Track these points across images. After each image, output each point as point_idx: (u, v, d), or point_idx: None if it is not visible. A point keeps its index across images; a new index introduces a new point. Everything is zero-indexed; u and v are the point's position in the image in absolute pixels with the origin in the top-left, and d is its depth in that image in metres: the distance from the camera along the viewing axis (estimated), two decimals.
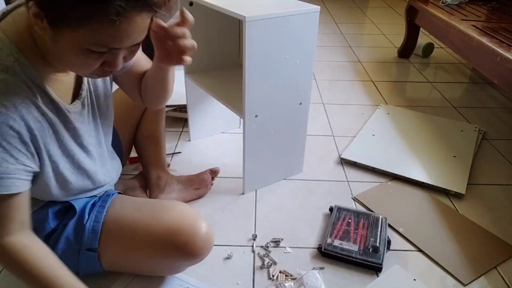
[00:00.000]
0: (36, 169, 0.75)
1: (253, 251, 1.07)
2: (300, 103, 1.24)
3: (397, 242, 1.12)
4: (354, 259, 1.03)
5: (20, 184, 0.72)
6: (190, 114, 1.51)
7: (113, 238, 0.89)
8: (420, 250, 1.09)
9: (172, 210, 0.89)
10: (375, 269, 1.02)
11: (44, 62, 0.72)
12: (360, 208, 1.23)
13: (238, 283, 0.99)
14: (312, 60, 1.19)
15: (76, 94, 0.82)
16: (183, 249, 0.84)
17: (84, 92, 0.83)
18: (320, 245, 1.08)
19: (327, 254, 1.06)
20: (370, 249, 1.05)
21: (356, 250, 1.05)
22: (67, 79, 0.79)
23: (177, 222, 0.86)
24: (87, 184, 0.89)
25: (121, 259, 0.91)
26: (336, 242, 1.07)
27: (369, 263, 1.02)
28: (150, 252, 0.87)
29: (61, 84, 0.78)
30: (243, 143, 1.19)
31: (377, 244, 1.06)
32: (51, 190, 0.82)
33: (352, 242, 1.08)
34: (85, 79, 0.83)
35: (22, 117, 0.69)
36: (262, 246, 1.09)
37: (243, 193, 1.27)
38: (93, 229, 0.88)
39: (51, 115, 0.75)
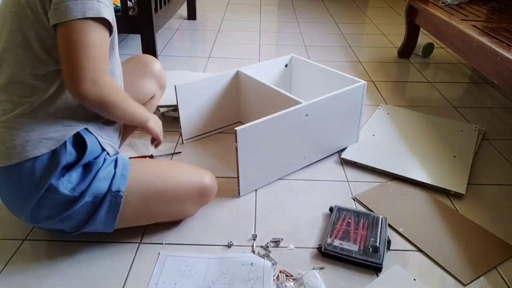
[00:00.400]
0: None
1: (253, 251, 1.07)
2: (307, 115, 1.28)
3: (397, 242, 1.12)
4: (354, 259, 1.03)
5: (112, 19, 0.89)
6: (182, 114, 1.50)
7: (140, 184, 1.00)
8: (420, 250, 1.09)
9: (186, 166, 1.13)
10: (375, 269, 1.02)
11: None
12: (360, 208, 1.23)
13: None
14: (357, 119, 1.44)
15: None
16: (204, 190, 1.09)
17: None
18: (320, 245, 1.08)
19: (327, 254, 1.06)
20: (370, 249, 1.05)
21: (356, 250, 1.05)
22: None
23: (196, 172, 1.10)
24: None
25: (146, 205, 1.02)
26: (336, 242, 1.07)
27: (369, 263, 1.02)
28: (179, 195, 1.06)
29: None
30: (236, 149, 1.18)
31: (377, 244, 1.06)
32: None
33: (352, 242, 1.08)
34: None
35: None
36: (262, 246, 1.09)
37: (238, 195, 1.27)
38: (122, 175, 0.97)
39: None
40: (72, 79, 0.83)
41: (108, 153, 0.99)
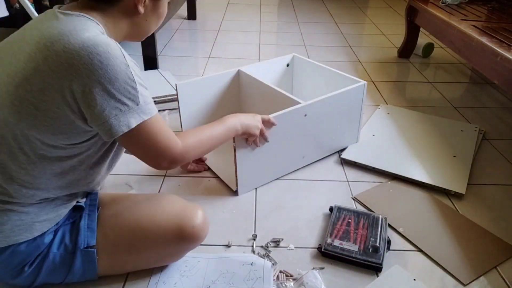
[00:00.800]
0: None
1: (253, 251, 1.07)
2: (306, 115, 1.28)
3: (397, 242, 1.12)
4: (354, 259, 1.03)
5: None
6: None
7: (113, 231, 0.90)
8: (420, 250, 1.09)
9: (170, 201, 0.98)
10: (375, 269, 1.02)
11: None
12: (360, 208, 1.23)
13: None
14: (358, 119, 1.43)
15: None
16: (186, 233, 0.92)
17: None
18: (320, 245, 1.08)
19: (327, 254, 1.06)
20: (370, 249, 1.05)
21: (356, 250, 1.05)
22: None
23: (179, 210, 0.94)
24: (97, 180, 0.95)
25: (122, 254, 0.92)
26: (336, 242, 1.07)
27: (369, 263, 1.02)
28: (155, 240, 0.91)
29: None
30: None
31: (377, 244, 1.06)
32: (100, 167, 0.91)
33: (352, 242, 1.08)
34: None
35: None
36: (262, 246, 1.09)
37: (237, 195, 1.27)
38: (88, 227, 0.89)
39: None
40: (157, 165, 0.89)
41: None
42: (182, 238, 0.92)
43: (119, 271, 0.97)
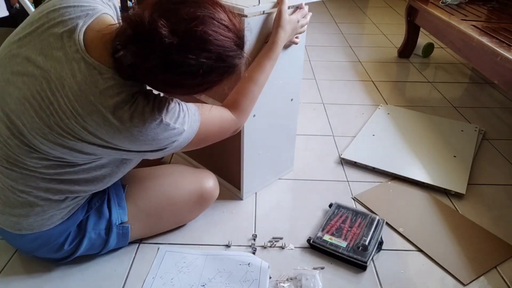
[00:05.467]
0: None
1: (253, 252, 1.07)
2: (292, 99, 1.24)
3: (397, 242, 1.12)
4: (339, 255, 1.04)
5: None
6: None
7: (143, 203, 1.01)
8: (420, 250, 1.09)
9: (185, 169, 1.12)
10: (360, 267, 1.03)
11: None
12: (360, 208, 1.23)
13: None
14: (301, 57, 1.20)
15: None
16: (206, 193, 1.08)
17: None
18: (310, 237, 1.09)
19: (315, 247, 1.07)
20: (360, 248, 1.05)
21: (344, 246, 1.06)
22: None
23: (196, 175, 1.10)
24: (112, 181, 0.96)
25: (153, 220, 1.04)
26: (326, 237, 1.08)
27: (354, 260, 1.02)
28: (181, 203, 1.06)
29: None
30: (241, 144, 1.17)
31: (367, 243, 1.06)
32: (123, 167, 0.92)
33: (343, 239, 1.08)
34: None
35: None
36: (262, 246, 1.09)
37: (241, 199, 1.26)
38: (119, 205, 0.98)
39: None
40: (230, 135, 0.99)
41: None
42: (202, 198, 1.08)
43: (149, 234, 1.09)
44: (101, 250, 1.00)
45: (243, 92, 0.99)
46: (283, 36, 1.01)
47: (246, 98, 0.99)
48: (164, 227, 1.10)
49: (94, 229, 0.95)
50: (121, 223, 0.98)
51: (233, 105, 0.97)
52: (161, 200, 1.03)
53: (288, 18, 1.01)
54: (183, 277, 0.98)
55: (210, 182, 1.09)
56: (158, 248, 1.06)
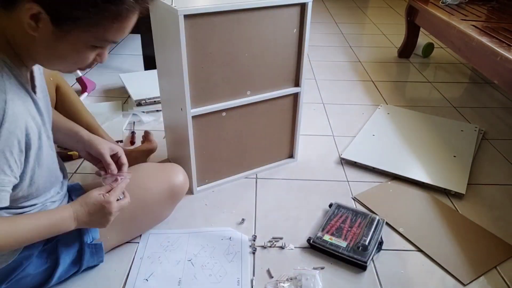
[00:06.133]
0: (17, 181, 0.72)
1: (253, 252, 1.07)
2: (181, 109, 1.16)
3: (397, 242, 1.12)
4: (339, 255, 1.04)
5: (7, 198, 0.69)
6: None
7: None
8: (420, 250, 1.09)
9: (151, 167, 1.10)
10: (360, 266, 1.03)
11: (20, 63, 0.72)
12: (360, 208, 1.23)
13: (238, 282, 0.99)
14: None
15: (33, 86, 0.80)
16: (176, 189, 1.07)
17: (37, 83, 0.81)
18: (310, 237, 1.09)
19: (315, 247, 1.07)
20: (360, 248, 1.05)
21: (344, 246, 1.06)
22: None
23: (164, 172, 1.08)
24: (52, 181, 0.86)
25: (127, 226, 1.01)
26: (326, 237, 1.08)
27: (354, 260, 1.02)
28: (152, 203, 1.04)
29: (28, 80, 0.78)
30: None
31: (367, 243, 1.06)
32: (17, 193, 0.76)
33: (343, 239, 1.08)
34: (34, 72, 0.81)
35: (25, 124, 0.69)
36: (262, 246, 1.09)
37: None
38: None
39: (36, 116, 0.74)
40: None
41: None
42: (173, 193, 1.07)
43: (127, 239, 1.07)
44: (78, 271, 0.95)
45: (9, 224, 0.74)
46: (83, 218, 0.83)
47: (6, 232, 0.72)
48: (140, 229, 1.09)
49: (66, 254, 0.89)
50: (92, 242, 0.92)
51: None
52: (132, 205, 0.93)
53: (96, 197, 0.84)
54: (169, 255, 1.04)
55: (179, 176, 1.08)
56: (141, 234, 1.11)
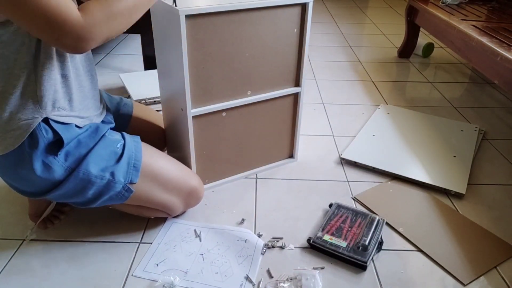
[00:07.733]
0: None
1: (263, 253, 1.07)
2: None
3: (397, 242, 1.12)
4: (340, 255, 1.04)
5: None
6: None
7: (150, 175, 1.02)
8: (420, 250, 1.09)
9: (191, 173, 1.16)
10: (360, 267, 1.03)
11: None
12: (360, 208, 1.23)
13: (241, 286, 0.99)
14: None
15: None
16: (192, 193, 1.12)
17: None
18: (310, 237, 1.09)
19: (315, 247, 1.07)
20: (360, 248, 1.05)
21: (344, 246, 1.06)
22: None
23: (187, 176, 1.12)
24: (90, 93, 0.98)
25: (147, 194, 1.04)
26: (326, 237, 1.08)
27: (355, 260, 1.02)
28: (174, 193, 1.08)
29: None
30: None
31: (367, 243, 1.06)
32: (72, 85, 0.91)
33: (343, 239, 1.08)
34: None
35: None
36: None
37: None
38: (134, 166, 0.99)
39: None
40: (59, 42, 0.74)
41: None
42: (189, 194, 1.11)
43: (134, 203, 1.05)
44: (100, 200, 0.98)
45: (103, 4, 0.79)
46: None
47: (101, 7, 0.78)
48: (156, 201, 1.07)
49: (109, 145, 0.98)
50: (130, 183, 0.98)
51: (84, 7, 0.77)
52: (167, 173, 1.05)
53: None
54: (185, 246, 1.08)
55: (196, 181, 1.13)
56: (166, 219, 1.16)
